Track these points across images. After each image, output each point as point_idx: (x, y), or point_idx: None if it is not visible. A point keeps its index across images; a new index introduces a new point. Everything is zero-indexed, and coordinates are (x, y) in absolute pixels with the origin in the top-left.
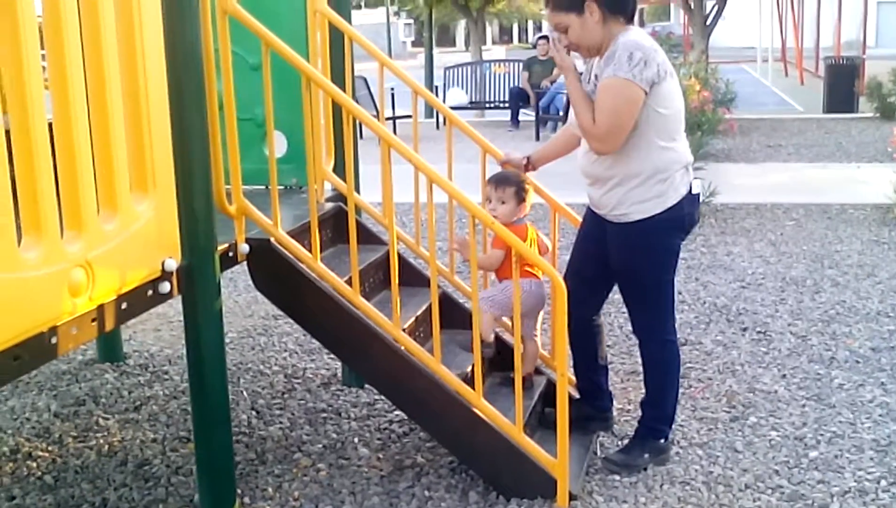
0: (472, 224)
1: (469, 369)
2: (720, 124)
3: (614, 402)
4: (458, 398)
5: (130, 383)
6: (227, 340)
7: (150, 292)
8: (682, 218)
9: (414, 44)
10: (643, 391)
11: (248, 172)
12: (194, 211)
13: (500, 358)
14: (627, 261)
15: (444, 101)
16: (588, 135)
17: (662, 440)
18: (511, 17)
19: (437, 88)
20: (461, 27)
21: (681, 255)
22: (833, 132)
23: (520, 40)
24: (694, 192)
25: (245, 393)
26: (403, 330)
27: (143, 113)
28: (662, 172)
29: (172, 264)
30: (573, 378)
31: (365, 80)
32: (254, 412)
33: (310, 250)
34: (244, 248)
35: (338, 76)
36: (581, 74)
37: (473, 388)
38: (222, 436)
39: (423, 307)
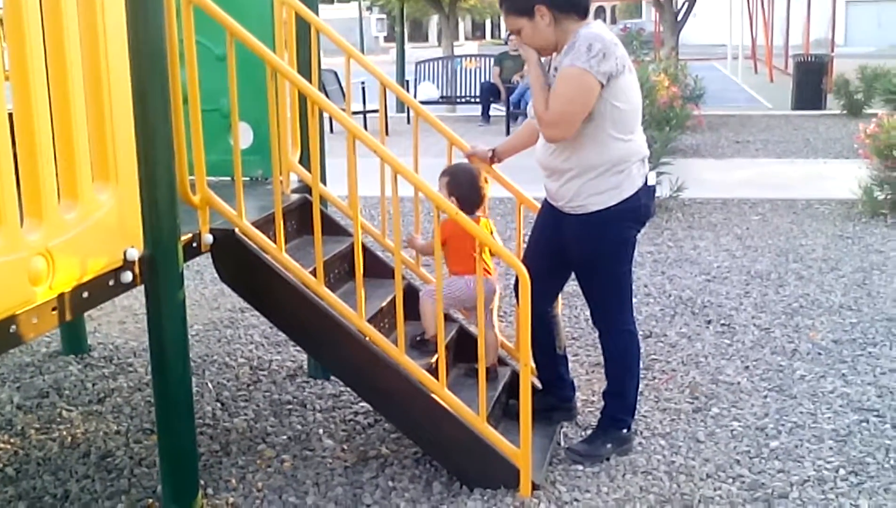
0: (437, 216)
1: (434, 360)
2: (688, 120)
3: (578, 393)
4: (422, 389)
5: (94, 375)
6: (192, 332)
7: (111, 282)
8: (637, 209)
9: (386, 39)
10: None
11: (214, 163)
12: (157, 201)
13: (465, 349)
14: (584, 252)
15: (415, 95)
16: (540, 120)
17: (625, 431)
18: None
19: (408, 82)
20: (434, 22)
21: (648, 248)
22: (801, 129)
23: (492, 36)
24: (650, 183)
25: (210, 385)
26: (368, 321)
27: (106, 102)
28: (619, 164)
29: (134, 254)
30: (535, 370)
31: (336, 74)
32: (219, 404)
33: (274, 241)
34: (208, 238)
35: (304, 68)
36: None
37: (437, 379)
38: (185, 427)
39: (388, 299)
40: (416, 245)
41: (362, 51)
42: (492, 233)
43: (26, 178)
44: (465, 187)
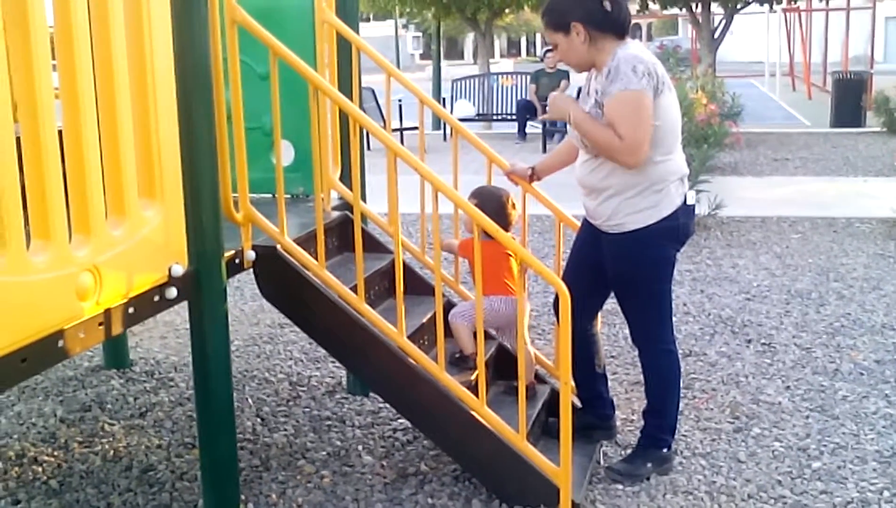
0: (477, 233)
1: (473, 377)
2: (726, 138)
3: (618, 411)
4: (461, 406)
5: (136, 389)
6: (233, 348)
7: (156, 298)
8: (676, 228)
9: (422, 56)
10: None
11: (256, 180)
12: (201, 217)
13: (504, 367)
14: (624, 271)
15: (451, 112)
16: (617, 152)
17: (665, 450)
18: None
19: (444, 99)
20: (469, 40)
21: (686, 267)
22: (840, 146)
23: (528, 53)
24: (689, 203)
25: (250, 400)
26: (408, 338)
27: (152, 120)
28: (658, 183)
29: (179, 270)
30: (575, 388)
31: (373, 91)
32: (258, 419)
33: (316, 258)
34: (250, 255)
35: (345, 86)
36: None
37: (477, 396)
38: (227, 442)
39: (428, 316)
40: (452, 248)
41: (398, 68)
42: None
43: (74, 194)
44: (492, 210)
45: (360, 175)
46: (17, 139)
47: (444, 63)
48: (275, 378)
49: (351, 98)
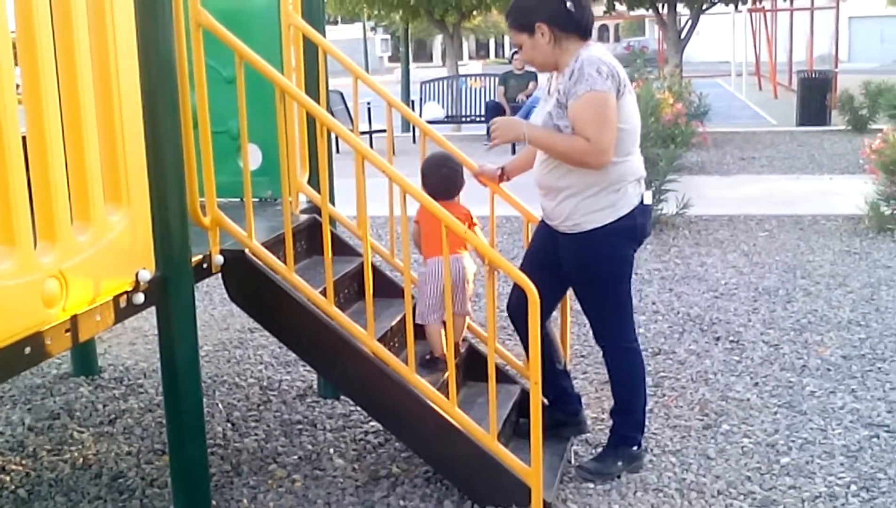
0: (444, 234)
1: (444, 378)
2: (693, 137)
3: (588, 410)
4: (432, 407)
5: (105, 396)
6: (202, 353)
7: (123, 303)
8: (633, 228)
9: (391, 59)
10: None
11: (224, 184)
12: (168, 222)
13: (475, 368)
14: (582, 271)
15: (420, 115)
16: (583, 155)
17: (635, 448)
18: (487, 32)
19: (413, 102)
20: (438, 42)
21: (655, 266)
22: (806, 145)
23: (496, 55)
24: (646, 203)
25: (220, 405)
26: (378, 340)
27: (117, 125)
28: (616, 183)
29: (146, 275)
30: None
31: (342, 94)
32: (229, 425)
33: (284, 262)
34: (218, 259)
35: (312, 89)
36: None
37: (447, 397)
38: (197, 447)
39: (398, 318)
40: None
41: (367, 71)
42: (471, 222)
43: (39, 200)
44: (436, 180)
45: (329, 178)
46: None
47: (412, 65)
48: (245, 383)
49: (318, 101)
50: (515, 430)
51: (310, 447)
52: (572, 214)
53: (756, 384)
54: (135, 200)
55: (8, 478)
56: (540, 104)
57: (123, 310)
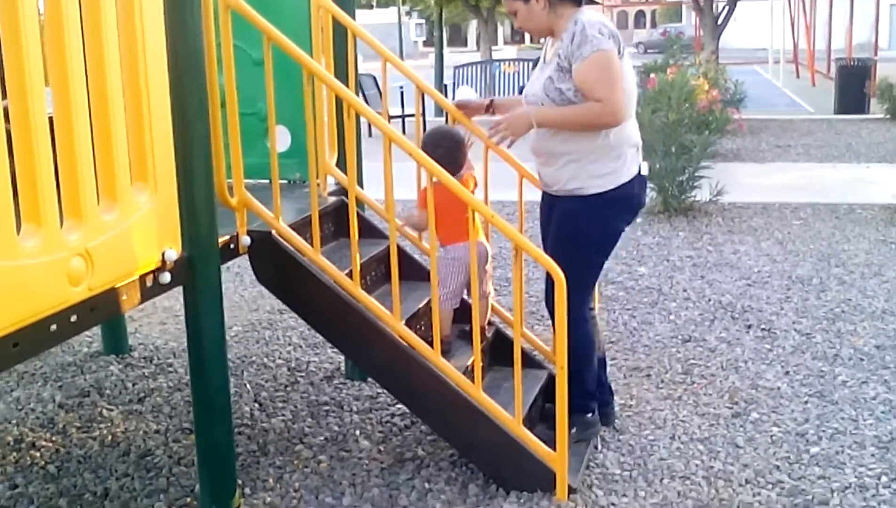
0: (472, 217)
1: (470, 362)
2: (728, 124)
3: (616, 397)
4: (458, 392)
5: (135, 375)
6: (232, 333)
7: (149, 283)
8: (630, 197)
9: (425, 43)
10: (645, 386)
11: (252, 166)
12: (195, 202)
13: (501, 353)
14: (570, 231)
15: (452, 99)
16: (597, 116)
17: (589, 415)
18: None
19: (446, 86)
20: (473, 27)
21: (687, 253)
22: (843, 133)
23: (531, 41)
24: (643, 173)
25: (248, 386)
26: (404, 323)
27: (144, 104)
28: (616, 148)
29: (173, 255)
30: None
31: (374, 78)
32: (256, 405)
33: (311, 244)
34: (245, 240)
35: (341, 72)
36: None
37: (474, 381)
38: (223, 427)
39: (425, 301)
40: (412, 222)
41: (401, 55)
42: (475, 188)
43: (66, 179)
44: (441, 155)
45: (357, 160)
46: (6, 115)
47: (446, 50)
48: (273, 364)
49: (347, 83)
50: (542, 415)
51: (336, 428)
52: (574, 177)
53: (787, 372)
54: (162, 179)
55: (38, 454)
56: (535, 72)
57: (150, 289)
